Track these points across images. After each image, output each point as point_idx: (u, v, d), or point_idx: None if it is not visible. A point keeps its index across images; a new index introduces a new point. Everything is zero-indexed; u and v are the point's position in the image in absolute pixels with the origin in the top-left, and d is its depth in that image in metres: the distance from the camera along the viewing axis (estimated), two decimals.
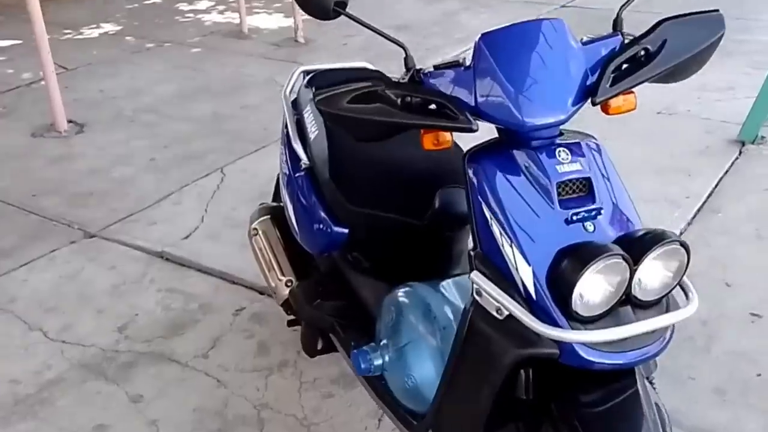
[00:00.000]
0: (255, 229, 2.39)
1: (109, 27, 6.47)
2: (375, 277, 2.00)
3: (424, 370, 1.69)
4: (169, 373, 2.51)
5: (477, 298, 1.41)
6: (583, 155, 1.45)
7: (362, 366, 1.72)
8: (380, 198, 1.89)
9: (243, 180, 3.79)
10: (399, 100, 1.43)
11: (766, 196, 3.49)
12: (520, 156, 1.44)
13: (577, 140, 1.47)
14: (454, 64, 1.48)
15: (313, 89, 2.01)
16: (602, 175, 1.47)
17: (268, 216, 2.41)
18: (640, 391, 1.39)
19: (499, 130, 1.49)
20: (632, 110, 1.48)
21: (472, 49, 1.46)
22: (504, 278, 1.38)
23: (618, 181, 1.50)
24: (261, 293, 2.88)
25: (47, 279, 3.04)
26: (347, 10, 1.50)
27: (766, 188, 3.55)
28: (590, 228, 1.40)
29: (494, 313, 1.38)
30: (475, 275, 1.41)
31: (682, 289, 1.43)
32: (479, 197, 1.44)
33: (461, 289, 1.74)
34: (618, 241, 1.39)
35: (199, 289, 2.94)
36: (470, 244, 1.50)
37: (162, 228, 3.38)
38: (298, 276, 2.29)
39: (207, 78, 5.23)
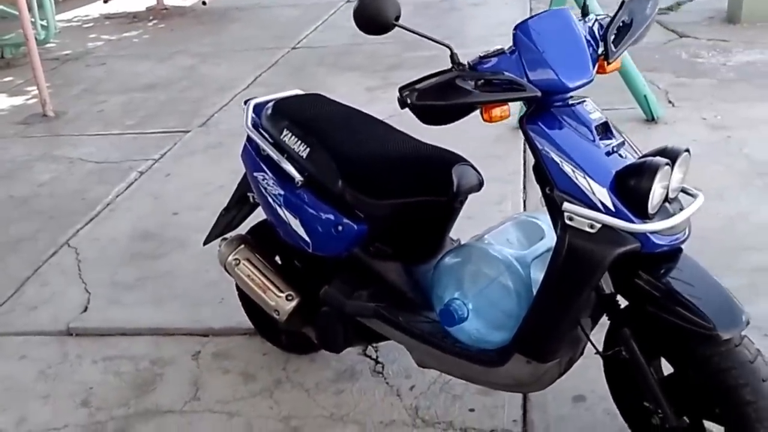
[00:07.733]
0: (236, 259, 2.51)
1: None
2: (395, 260, 2.29)
3: (503, 306, 2.04)
4: (170, 423, 2.50)
5: (569, 222, 1.82)
6: (596, 106, 1.96)
7: (456, 316, 2.02)
8: (403, 186, 2.19)
9: (102, 247, 3.68)
10: (473, 83, 1.81)
11: None
12: (562, 112, 1.89)
13: (585, 97, 1.96)
14: (498, 53, 1.88)
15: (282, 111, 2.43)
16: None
17: (242, 245, 2.55)
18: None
19: (531, 99, 1.92)
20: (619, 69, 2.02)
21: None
22: (585, 203, 1.81)
23: None
24: (204, 336, 2.94)
25: None
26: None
27: None
28: (624, 155, 1.90)
29: (587, 229, 1.81)
30: (568, 205, 1.82)
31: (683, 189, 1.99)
32: (546, 148, 1.86)
33: (499, 240, 2.13)
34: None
35: (138, 350, 2.90)
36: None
37: (48, 310, 3.20)
38: (293, 288, 2.47)
39: None
